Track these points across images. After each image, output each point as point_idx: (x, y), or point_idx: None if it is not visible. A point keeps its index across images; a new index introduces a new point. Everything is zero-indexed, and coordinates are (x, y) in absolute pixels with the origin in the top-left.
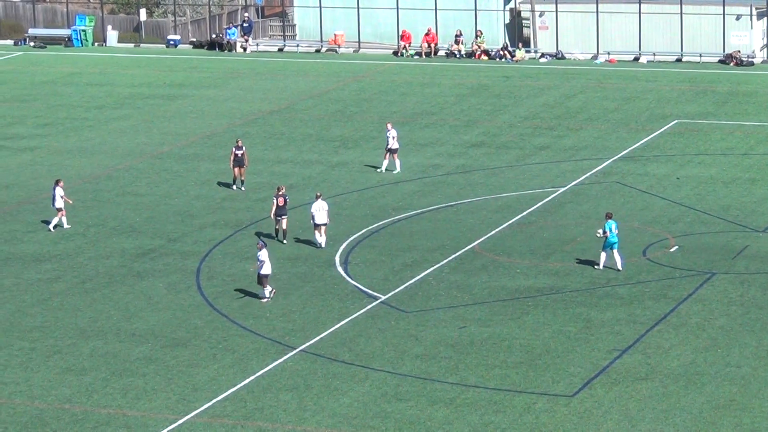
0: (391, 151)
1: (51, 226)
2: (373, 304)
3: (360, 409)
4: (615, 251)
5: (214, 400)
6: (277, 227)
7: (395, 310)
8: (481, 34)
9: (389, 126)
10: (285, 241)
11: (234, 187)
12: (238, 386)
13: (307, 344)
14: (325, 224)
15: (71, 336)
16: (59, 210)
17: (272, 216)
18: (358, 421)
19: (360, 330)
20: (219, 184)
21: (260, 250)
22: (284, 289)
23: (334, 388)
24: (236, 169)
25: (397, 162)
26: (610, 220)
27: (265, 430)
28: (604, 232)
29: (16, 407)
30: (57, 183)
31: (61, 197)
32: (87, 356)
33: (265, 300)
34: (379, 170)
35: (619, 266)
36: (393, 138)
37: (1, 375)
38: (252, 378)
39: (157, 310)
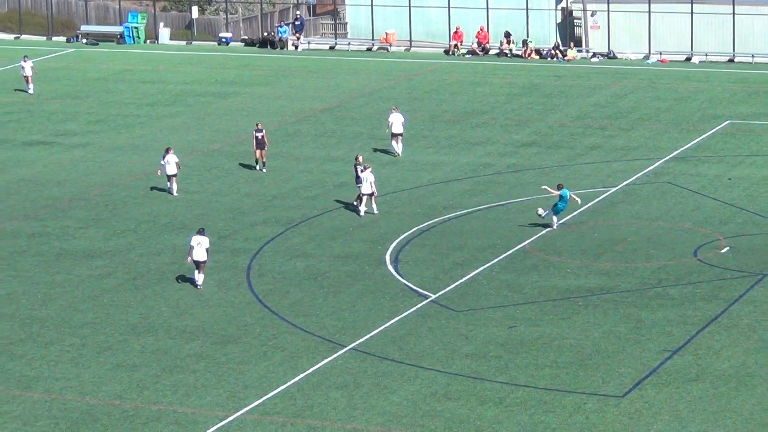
0: (395, 135)
1: (174, 192)
2: (424, 302)
3: (409, 407)
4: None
5: (264, 398)
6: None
7: (445, 309)
8: (529, 42)
9: (394, 110)
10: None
11: (257, 167)
12: (288, 384)
13: (357, 342)
14: (371, 194)
15: (122, 332)
16: (172, 176)
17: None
18: (407, 419)
19: (410, 328)
20: (241, 167)
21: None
22: (334, 287)
23: (384, 386)
24: (258, 152)
25: (401, 146)
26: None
27: (314, 427)
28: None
29: (67, 403)
30: (168, 150)
31: (176, 163)
32: (138, 352)
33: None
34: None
35: (555, 226)
36: (401, 123)
37: (53, 370)
38: (302, 376)
39: (208, 307)
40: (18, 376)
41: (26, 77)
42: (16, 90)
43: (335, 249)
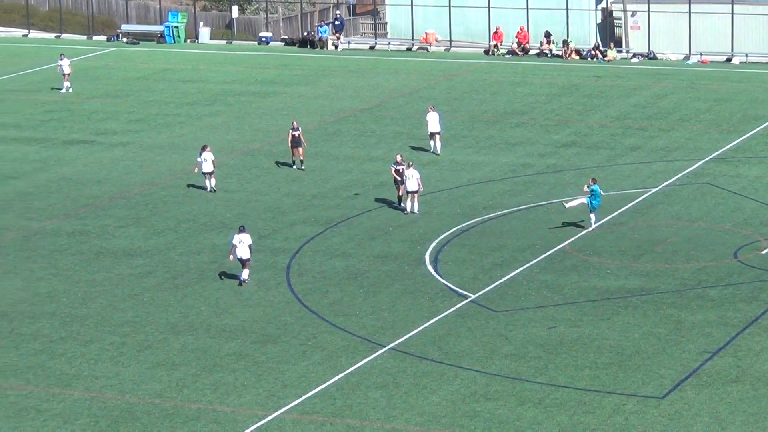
0: (433, 134)
1: (212, 187)
2: (463, 302)
3: (449, 407)
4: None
5: (303, 397)
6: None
7: (485, 309)
8: (569, 42)
9: (431, 109)
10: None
11: (294, 167)
12: (328, 383)
13: (397, 342)
14: (416, 191)
15: (162, 331)
16: (208, 174)
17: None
18: (447, 420)
19: (449, 328)
20: (281, 166)
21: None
22: (374, 286)
23: (423, 386)
24: (294, 150)
25: (439, 144)
26: (594, 185)
27: (354, 427)
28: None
29: (107, 401)
30: (204, 148)
31: (212, 161)
32: (177, 351)
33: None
34: (433, 152)
35: (592, 226)
36: (437, 122)
37: (93, 369)
38: (341, 375)
39: (248, 306)
40: (58, 374)
41: (65, 75)
42: (53, 89)
43: (375, 249)
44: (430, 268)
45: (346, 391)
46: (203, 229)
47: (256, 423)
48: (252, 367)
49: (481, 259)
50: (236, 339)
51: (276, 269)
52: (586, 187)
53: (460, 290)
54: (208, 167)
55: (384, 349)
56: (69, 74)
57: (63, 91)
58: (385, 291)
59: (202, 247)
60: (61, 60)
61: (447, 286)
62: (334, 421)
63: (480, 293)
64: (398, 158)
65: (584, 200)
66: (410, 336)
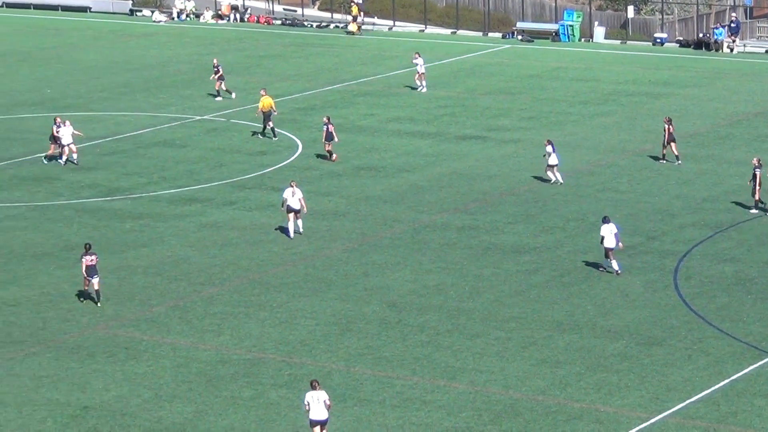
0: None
1: (552, 180)
2: None
3: None
4: None
5: (687, 401)
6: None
7: None
8: None
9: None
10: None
11: (669, 161)
12: (712, 389)
13: None
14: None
15: (547, 328)
16: (553, 166)
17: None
18: None
19: None
20: (671, 168)
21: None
22: (763, 293)
23: None
24: (668, 145)
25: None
26: None
27: None
28: None
29: (491, 395)
30: (548, 142)
31: (552, 154)
32: (562, 349)
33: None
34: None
35: None
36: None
37: (478, 363)
38: (726, 381)
39: (634, 307)
40: (444, 366)
41: (418, 74)
42: (406, 86)
43: (765, 255)
44: None
45: (731, 397)
46: (591, 228)
47: (639, 425)
48: (636, 369)
49: None
50: (621, 339)
51: (664, 271)
52: None
53: None
54: (552, 160)
55: None
56: (423, 74)
57: (423, 90)
58: None
59: (590, 246)
60: (416, 59)
61: None
62: (717, 427)
63: None
64: (755, 161)
65: None
66: None
